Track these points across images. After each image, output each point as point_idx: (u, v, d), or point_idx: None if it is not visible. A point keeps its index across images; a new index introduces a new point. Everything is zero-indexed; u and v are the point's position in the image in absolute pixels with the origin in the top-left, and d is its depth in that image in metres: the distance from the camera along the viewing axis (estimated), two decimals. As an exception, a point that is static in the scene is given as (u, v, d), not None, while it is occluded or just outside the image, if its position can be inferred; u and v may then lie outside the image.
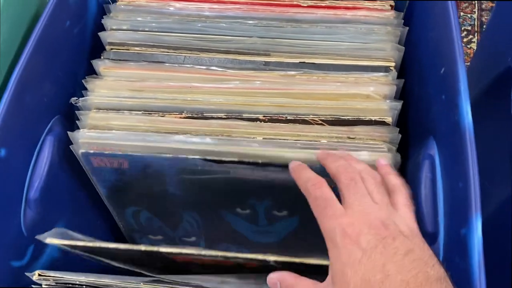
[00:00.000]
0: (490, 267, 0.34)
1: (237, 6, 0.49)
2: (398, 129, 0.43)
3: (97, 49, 0.50)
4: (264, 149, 0.42)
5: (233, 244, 0.55)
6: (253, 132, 0.43)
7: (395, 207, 0.36)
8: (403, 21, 0.48)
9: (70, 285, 0.41)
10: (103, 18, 0.50)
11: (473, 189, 0.35)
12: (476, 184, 0.35)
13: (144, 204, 0.51)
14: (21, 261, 0.44)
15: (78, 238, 0.42)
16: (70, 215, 0.50)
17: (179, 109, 0.45)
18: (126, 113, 0.45)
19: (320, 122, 0.43)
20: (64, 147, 0.47)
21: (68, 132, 0.45)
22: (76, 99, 0.46)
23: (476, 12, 1.19)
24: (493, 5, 1.19)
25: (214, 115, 0.44)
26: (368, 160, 0.41)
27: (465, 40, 1.16)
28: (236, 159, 0.42)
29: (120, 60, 0.47)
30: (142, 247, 0.40)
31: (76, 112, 0.46)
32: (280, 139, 0.43)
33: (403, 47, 0.46)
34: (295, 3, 0.49)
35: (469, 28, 1.18)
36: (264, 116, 0.44)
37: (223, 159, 0.42)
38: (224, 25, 0.48)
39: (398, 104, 0.44)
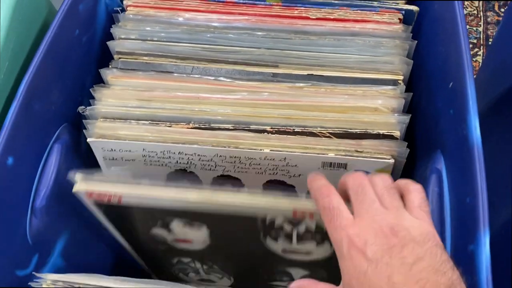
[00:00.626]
0: (498, 283, 0.33)
1: (246, 17, 0.49)
2: (406, 143, 0.43)
3: (106, 57, 0.50)
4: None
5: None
6: (260, 144, 0.43)
7: (409, 209, 0.34)
8: (411, 34, 0.48)
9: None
10: (112, 27, 0.50)
11: (481, 204, 0.35)
12: (485, 199, 0.35)
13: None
14: (25, 270, 0.44)
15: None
16: (76, 224, 0.50)
17: (187, 119, 0.45)
18: (133, 123, 0.45)
19: (328, 134, 0.43)
20: (71, 155, 0.47)
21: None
22: (84, 108, 0.46)
23: (482, 26, 1.20)
24: (499, 19, 1.19)
25: (222, 126, 0.44)
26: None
27: (470, 53, 1.16)
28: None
29: (128, 69, 0.47)
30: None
31: (84, 121, 0.46)
32: (287, 152, 0.43)
33: (412, 61, 0.46)
34: (303, 15, 0.49)
35: (475, 41, 1.18)
36: (271, 128, 0.44)
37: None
38: (232, 36, 0.48)
39: (406, 118, 0.44)
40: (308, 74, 0.46)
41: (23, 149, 0.42)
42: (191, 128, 0.44)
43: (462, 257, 0.35)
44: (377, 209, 0.34)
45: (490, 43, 1.17)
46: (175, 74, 0.47)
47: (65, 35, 0.46)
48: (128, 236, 0.51)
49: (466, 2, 1.23)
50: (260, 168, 0.45)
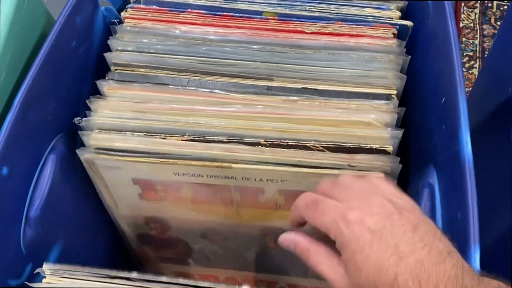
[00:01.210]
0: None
1: (242, 30, 0.49)
2: (399, 158, 0.43)
3: (102, 69, 0.50)
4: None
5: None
6: (254, 157, 0.43)
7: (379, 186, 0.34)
8: (405, 49, 0.49)
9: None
10: (109, 38, 0.50)
11: (471, 220, 0.35)
12: (475, 215, 0.35)
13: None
14: (18, 280, 0.44)
15: None
16: (70, 234, 0.50)
17: (181, 131, 0.45)
18: (128, 134, 0.45)
19: (321, 148, 0.43)
20: (67, 165, 0.47)
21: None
22: (79, 119, 0.46)
23: (478, 38, 1.21)
24: (495, 32, 1.20)
25: (216, 138, 0.44)
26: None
27: (466, 65, 1.17)
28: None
29: (124, 81, 0.48)
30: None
31: (79, 132, 0.46)
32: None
33: (405, 76, 0.47)
34: (299, 29, 0.49)
35: (471, 53, 1.19)
36: (265, 141, 0.44)
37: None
38: (228, 49, 0.48)
39: (399, 133, 0.44)
40: (302, 88, 0.46)
41: (18, 159, 0.42)
42: (186, 140, 0.45)
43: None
44: (356, 188, 0.33)
45: (486, 55, 1.18)
46: (171, 86, 0.47)
47: (62, 47, 0.47)
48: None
49: (462, 15, 1.24)
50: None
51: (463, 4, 1.25)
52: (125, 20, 0.51)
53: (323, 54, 0.48)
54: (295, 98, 0.46)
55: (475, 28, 1.22)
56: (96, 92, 0.49)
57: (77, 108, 0.49)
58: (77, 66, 0.50)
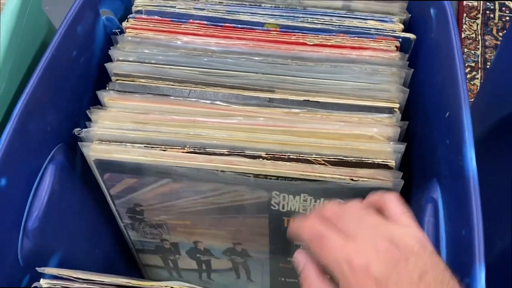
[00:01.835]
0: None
1: (244, 42, 0.49)
2: (401, 173, 0.42)
3: (103, 79, 0.50)
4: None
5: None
6: (255, 170, 0.43)
7: (394, 219, 0.33)
8: (408, 62, 0.48)
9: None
10: (110, 48, 0.50)
11: (476, 238, 0.34)
12: (480, 232, 0.34)
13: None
14: (15, 292, 0.44)
15: None
16: (68, 245, 0.50)
17: (182, 143, 0.45)
18: (128, 146, 0.45)
19: (323, 162, 0.43)
20: (66, 176, 0.46)
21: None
22: (79, 130, 0.46)
23: (480, 49, 1.20)
24: (497, 42, 1.20)
25: (217, 151, 0.44)
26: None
27: (468, 76, 1.16)
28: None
29: (125, 91, 0.47)
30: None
31: (79, 143, 0.45)
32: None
33: (408, 89, 0.46)
34: (301, 41, 0.49)
35: (473, 64, 1.19)
36: (266, 154, 0.43)
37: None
38: (230, 60, 0.48)
39: (402, 147, 0.43)
40: (304, 100, 0.46)
41: (16, 170, 0.42)
42: (186, 152, 0.44)
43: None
44: (364, 226, 0.32)
45: (488, 66, 1.17)
46: (172, 97, 0.47)
47: (62, 56, 0.46)
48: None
49: (464, 26, 1.24)
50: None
51: (465, 15, 1.25)
52: (127, 30, 0.51)
53: (325, 66, 0.48)
54: (296, 110, 0.45)
55: (477, 39, 1.22)
56: (97, 103, 0.48)
57: (77, 118, 0.49)
58: (78, 76, 0.50)
